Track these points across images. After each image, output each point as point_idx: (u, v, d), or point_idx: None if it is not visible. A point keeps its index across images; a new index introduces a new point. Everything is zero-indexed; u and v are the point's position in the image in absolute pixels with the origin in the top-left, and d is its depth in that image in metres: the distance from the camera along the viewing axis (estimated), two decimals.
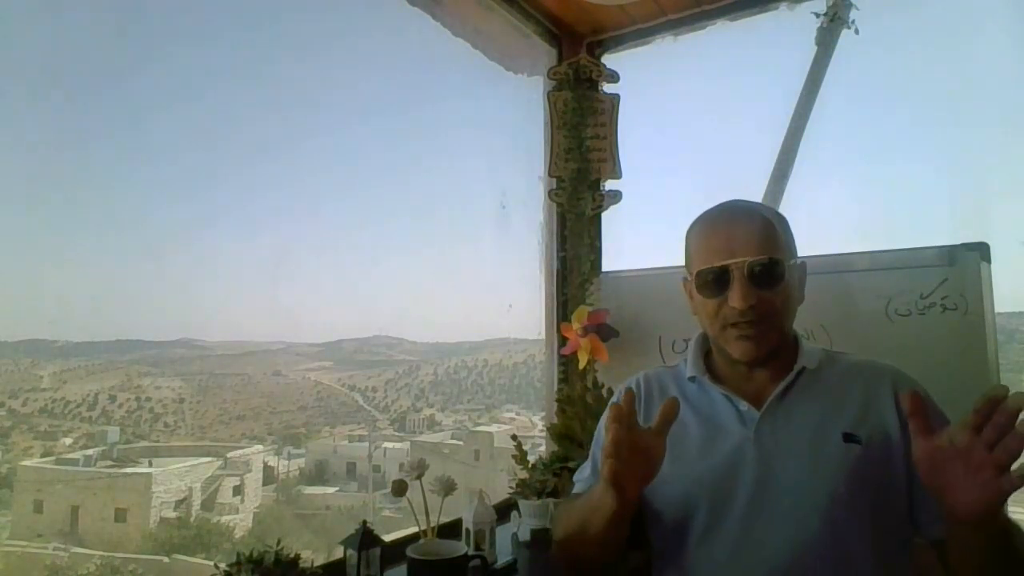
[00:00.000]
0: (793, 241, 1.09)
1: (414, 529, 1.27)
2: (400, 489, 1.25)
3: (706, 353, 1.15)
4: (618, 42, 2.27)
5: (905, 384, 1.02)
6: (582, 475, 1.23)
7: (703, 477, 1.04)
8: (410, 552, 1.17)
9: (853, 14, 2.22)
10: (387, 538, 1.23)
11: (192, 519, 24.74)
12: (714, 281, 1.03)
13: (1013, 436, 0.74)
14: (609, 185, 2.16)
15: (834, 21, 2.20)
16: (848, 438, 0.99)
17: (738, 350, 1.04)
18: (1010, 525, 0.86)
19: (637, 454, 0.90)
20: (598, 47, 2.28)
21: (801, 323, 1.66)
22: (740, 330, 1.02)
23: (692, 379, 1.12)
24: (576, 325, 1.92)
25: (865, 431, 1.00)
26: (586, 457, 1.63)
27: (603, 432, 1.17)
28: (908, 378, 1.05)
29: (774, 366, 1.07)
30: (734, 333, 1.03)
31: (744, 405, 1.06)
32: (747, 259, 1.00)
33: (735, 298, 1.00)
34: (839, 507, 0.95)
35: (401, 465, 1.49)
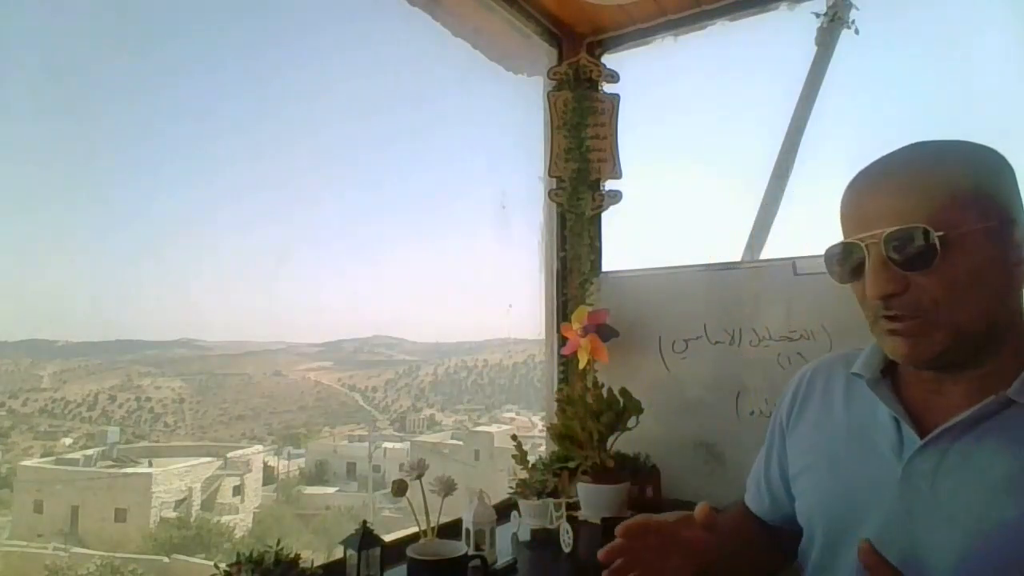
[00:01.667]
0: (1004, 194, 0.75)
1: (414, 529, 1.27)
2: (400, 489, 1.24)
3: None
4: (618, 42, 2.27)
5: None
6: (753, 478, 1.06)
7: (827, 500, 0.85)
8: (410, 552, 1.17)
9: (853, 14, 2.22)
10: (387, 538, 1.23)
11: (192, 519, 24.77)
12: (842, 262, 0.80)
13: None
14: (609, 185, 2.16)
15: (834, 21, 2.20)
16: None
17: (889, 347, 0.79)
18: None
19: (662, 552, 0.74)
20: (598, 47, 2.27)
21: (802, 324, 1.70)
22: (890, 323, 0.77)
23: (859, 375, 0.87)
24: (576, 325, 1.92)
25: None
26: (586, 458, 1.63)
27: (776, 430, 1.01)
28: None
29: (977, 380, 0.77)
30: (885, 326, 0.77)
31: (908, 428, 0.79)
32: (883, 231, 0.73)
33: (868, 285, 0.76)
34: None
35: (401, 465, 1.49)
